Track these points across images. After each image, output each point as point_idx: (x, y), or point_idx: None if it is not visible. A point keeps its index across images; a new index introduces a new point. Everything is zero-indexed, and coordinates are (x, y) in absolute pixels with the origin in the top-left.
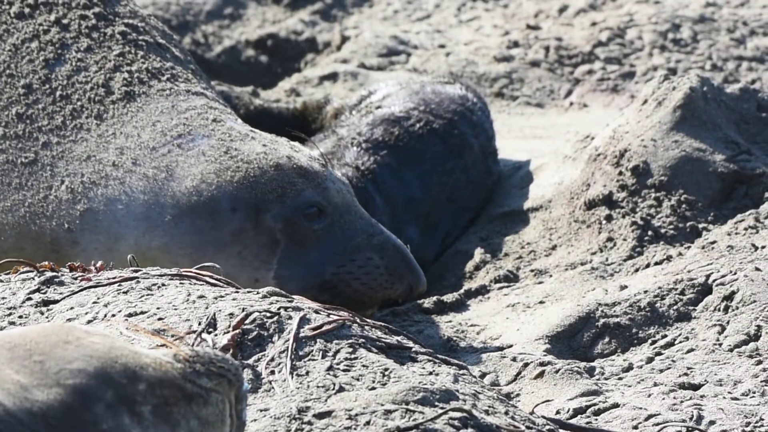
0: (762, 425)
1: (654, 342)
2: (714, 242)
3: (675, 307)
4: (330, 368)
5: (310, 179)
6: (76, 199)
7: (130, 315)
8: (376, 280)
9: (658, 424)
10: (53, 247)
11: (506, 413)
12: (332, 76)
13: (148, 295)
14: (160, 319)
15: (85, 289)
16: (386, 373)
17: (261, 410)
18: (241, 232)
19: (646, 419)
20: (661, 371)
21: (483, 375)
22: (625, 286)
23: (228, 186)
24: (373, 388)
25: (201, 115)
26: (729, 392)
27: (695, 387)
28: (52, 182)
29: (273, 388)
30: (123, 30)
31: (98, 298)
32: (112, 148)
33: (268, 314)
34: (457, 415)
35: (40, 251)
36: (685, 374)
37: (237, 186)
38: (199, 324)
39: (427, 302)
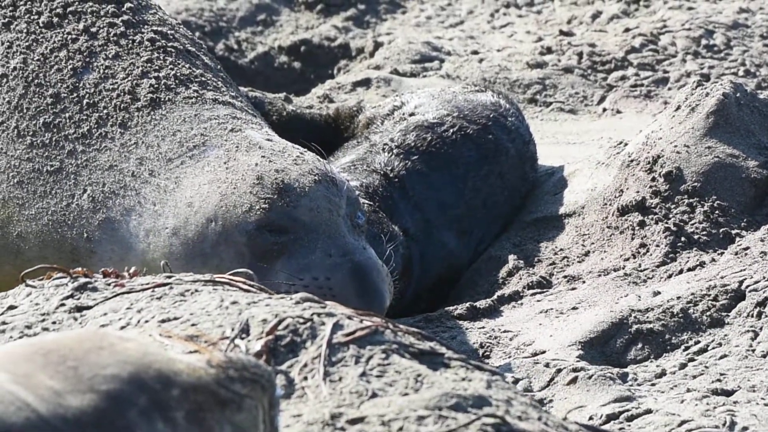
0: None
1: (687, 348)
2: (747, 248)
3: (708, 313)
4: (363, 374)
5: (284, 195)
6: (96, 208)
7: (163, 321)
8: None
9: (691, 430)
10: (73, 257)
11: (539, 419)
12: (365, 83)
13: (181, 301)
14: (193, 324)
15: (118, 294)
16: (419, 379)
17: (294, 416)
18: (217, 245)
19: (679, 425)
20: (694, 377)
21: (516, 381)
22: (658, 292)
23: (212, 197)
24: (406, 394)
25: (221, 125)
26: (762, 398)
27: (728, 393)
28: (74, 191)
29: (306, 393)
30: (152, 37)
31: (131, 304)
32: (133, 158)
33: (301, 320)
34: (490, 421)
35: (61, 261)
36: (718, 380)
37: (219, 198)
38: (233, 330)
39: (460, 308)
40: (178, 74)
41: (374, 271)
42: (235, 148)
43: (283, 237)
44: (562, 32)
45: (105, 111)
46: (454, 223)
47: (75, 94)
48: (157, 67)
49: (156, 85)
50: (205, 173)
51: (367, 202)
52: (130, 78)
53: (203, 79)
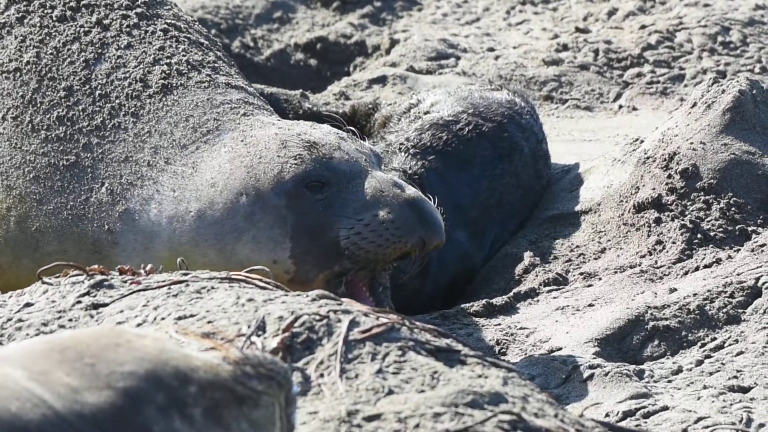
0: None
1: (703, 345)
2: (763, 245)
3: (724, 310)
4: (379, 371)
5: (315, 152)
6: (115, 200)
7: (179, 318)
8: (383, 236)
9: (707, 427)
10: (95, 249)
11: (555, 416)
12: (381, 80)
13: (197, 298)
14: (209, 322)
15: (134, 292)
16: (435, 375)
17: (310, 413)
18: (251, 215)
19: (696, 422)
20: (711, 374)
21: (532, 378)
22: (675, 289)
23: (237, 172)
24: (423, 391)
25: (233, 110)
26: None
27: (745, 390)
28: (92, 185)
29: (322, 390)
30: (165, 27)
31: (148, 302)
32: (147, 148)
33: (318, 317)
34: (507, 417)
35: (82, 253)
36: (735, 377)
37: (244, 170)
38: (249, 327)
39: (476, 305)
40: (191, 60)
41: (428, 203)
42: (249, 128)
43: (326, 191)
44: (578, 29)
45: (117, 101)
46: (470, 223)
47: (87, 86)
48: (169, 54)
49: (168, 71)
50: (223, 154)
51: None
52: (141, 66)
53: (216, 65)
